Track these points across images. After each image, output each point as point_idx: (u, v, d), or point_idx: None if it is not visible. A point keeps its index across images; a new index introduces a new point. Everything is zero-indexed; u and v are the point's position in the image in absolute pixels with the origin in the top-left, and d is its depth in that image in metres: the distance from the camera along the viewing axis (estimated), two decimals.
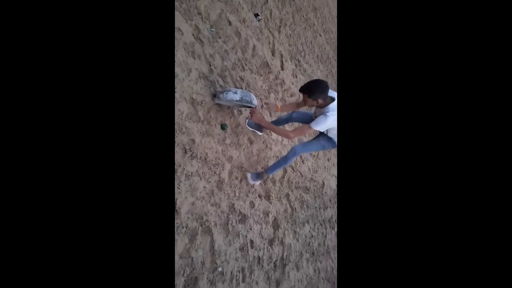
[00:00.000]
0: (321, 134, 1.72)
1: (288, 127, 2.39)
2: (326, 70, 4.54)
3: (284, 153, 2.24)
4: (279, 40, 2.85)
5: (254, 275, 1.61)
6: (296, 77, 3.08)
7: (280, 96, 2.63)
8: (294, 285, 2.01)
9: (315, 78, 3.78)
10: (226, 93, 1.54)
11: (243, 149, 1.84)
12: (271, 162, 2.08)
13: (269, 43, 2.60)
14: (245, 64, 2.12)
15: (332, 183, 3.20)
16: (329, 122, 1.46)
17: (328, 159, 3.29)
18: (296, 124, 2.31)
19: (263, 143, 2.08)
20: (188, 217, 1.28)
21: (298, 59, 3.28)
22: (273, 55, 2.62)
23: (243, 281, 1.52)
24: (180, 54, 1.47)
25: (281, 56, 2.79)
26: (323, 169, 3.10)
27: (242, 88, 1.98)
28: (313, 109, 1.86)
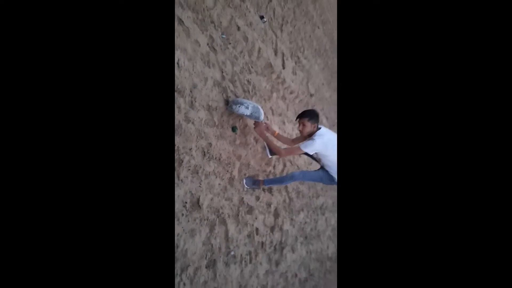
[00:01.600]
0: (322, 168, 1.91)
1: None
2: (323, 63, 4.69)
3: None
4: (281, 39, 2.97)
5: (258, 257, 1.89)
6: (296, 74, 3.25)
7: (281, 94, 2.81)
8: (290, 265, 2.32)
9: (314, 75, 3.95)
10: (239, 107, 1.72)
11: (250, 148, 2.05)
12: (272, 161, 2.31)
13: (272, 43, 2.73)
14: (251, 67, 2.28)
15: None
16: (316, 144, 1.66)
17: None
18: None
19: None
20: (208, 211, 1.51)
21: (298, 56, 3.42)
22: (275, 54, 2.76)
23: (250, 262, 1.79)
24: (198, 65, 1.63)
25: (283, 55, 2.93)
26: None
27: (250, 93, 2.15)
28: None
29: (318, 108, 3.86)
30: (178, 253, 1.27)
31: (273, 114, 2.53)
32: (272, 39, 2.75)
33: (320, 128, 1.76)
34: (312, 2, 4.70)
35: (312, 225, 3.00)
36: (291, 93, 3.04)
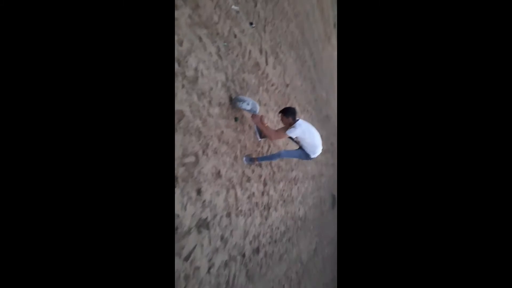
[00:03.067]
0: (300, 148, 2.63)
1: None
2: (295, 55, 5.31)
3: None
4: (264, 38, 3.51)
5: (254, 213, 2.58)
6: (275, 68, 3.84)
7: (265, 87, 3.41)
8: (274, 220, 3.08)
9: (289, 67, 4.56)
10: (242, 103, 2.30)
11: (246, 133, 2.66)
12: (261, 144, 2.96)
13: (258, 44, 3.27)
14: (244, 67, 2.82)
15: None
16: (296, 131, 2.37)
17: None
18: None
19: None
20: (224, 179, 2.13)
21: (277, 52, 3.99)
22: (260, 53, 3.31)
23: (250, 216, 2.48)
24: (212, 72, 2.15)
25: (266, 53, 3.48)
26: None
27: (244, 89, 2.71)
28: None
29: (291, 96, 4.53)
30: (211, 206, 1.88)
31: (260, 104, 3.13)
32: (258, 40, 3.28)
33: (298, 120, 2.44)
34: None
35: (288, 192, 3.78)
36: (272, 85, 3.64)
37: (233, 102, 2.36)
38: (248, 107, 2.34)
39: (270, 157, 2.72)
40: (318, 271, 5.03)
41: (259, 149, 2.96)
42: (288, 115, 2.44)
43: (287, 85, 4.35)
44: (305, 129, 2.38)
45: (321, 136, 2.63)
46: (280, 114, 2.50)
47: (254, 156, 2.74)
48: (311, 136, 2.43)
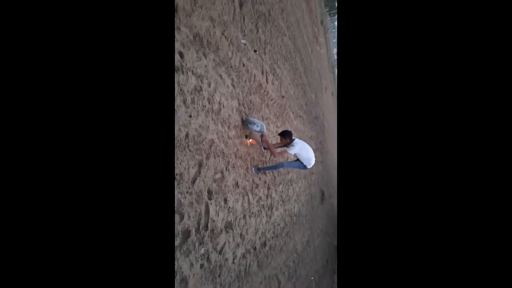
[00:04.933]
0: (298, 159, 3.22)
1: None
2: (289, 65, 5.80)
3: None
4: (265, 60, 3.99)
5: (261, 213, 3.12)
6: (274, 84, 4.34)
7: (266, 103, 3.91)
8: (276, 218, 3.64)
9: (284, 79, 5.07)
10: (252, 125, 2.81)
11: (255, 149, 3.18)
12: (264, 154, 3.48)
13: (261, 66, 3.75)
14: (251, 90, 3.31)
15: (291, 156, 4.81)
16: (294, 149, 2.96)
17: None
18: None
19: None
20: (241, 188, 2.64)
21: (274, 68, 4.48)
22: (262, 74, 3.80)
23: (259, 216, 3.02)
24: (229, 101, 2.63)
25: (266, 72, 3.97)
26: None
27: (250, 109, 3.21)
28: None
29: (287, 106, 5.05)
30: (233, 211, 2.40)
31: (263, 119, 3.64)
32: (260, 63, 3.76)
33: (294, 140, 3.01)
34: (280, 13, 5.66)
35: (286, 192, 4.34)
36: (271, 100, 4.15)
37: (245, 123, 2.86)
38: (258, 129, 2.85)
39: (274, 167, 3.27)
40: (311, 259, 5.68)
41: (263, 158, 3.48)
42: (286, 137, 3.03)
43: (283, 97, 4.86)
44: (301, 146, 2.96)
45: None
46: (280, 136, 3.07)
47: (260, 166, 3.27)
48: (306, 151, 3.04)
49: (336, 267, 8.52)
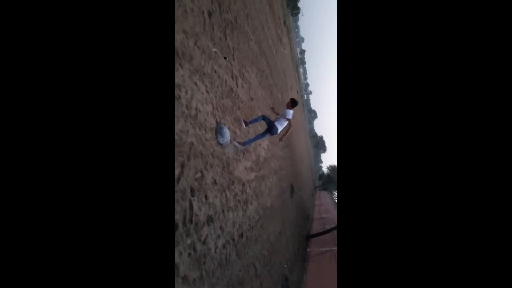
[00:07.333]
0: (267, 129, 3.73)
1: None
2: (256, 69, 6.14)
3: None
4: (234, 65, 4.26)
5: (238, 209, 3.41)
6: (243, 87, 4.63)
7: (237, 106, 4.19)
8: (251, 212, 3.95)
9: (252, 82, 5.38)
10: (220, 138, 3.07)
11: (227, 147, 3.44)
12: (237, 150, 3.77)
13: (231, 71, 4.02)
14: (223, 94, 3.57)
15: (263, 153, 5.16)
16: (290, 113, 3.70)
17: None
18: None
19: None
20: (219, 185, 2.90)
21: (243, 73, 4.77)
22: (232, 79, 4.07)
23: (236, 209, 3.30)
24: (204, 106, 2.87)
25: (236, 77, 4.25)
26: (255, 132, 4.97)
27: (224, 112, 3.47)
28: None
29: (256, 107, 5.38)
30: (213, 206, 2.65)
31: (235, 121, 3.92)
32: (230, 69, 4.02)
33: (287, 112, 3.61)
34: (246, 19, 5.96)
35: (259, 188, 4.68)
36: (242, 102, 4.44)
37: (216, 131, 3.12)
38: (223, 141, 3.13)
39: (254, 139, 3.85)
40: (283, 248, 6.12)
41: (237, 157, 3.77)
42: (294, 105, 3.79)
43: (252, 99, 5.18)
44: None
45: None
46: (290, 102, 3.78)
47: (240, 141, 3.72)
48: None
49: (306, 255, 9.14)
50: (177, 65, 2.38)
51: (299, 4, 45.38)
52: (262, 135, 3.89)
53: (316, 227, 13.02)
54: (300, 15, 50.29)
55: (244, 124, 3.94)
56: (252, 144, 4.35)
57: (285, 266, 5.81)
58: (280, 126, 3.74)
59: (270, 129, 3.72)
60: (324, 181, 39.84)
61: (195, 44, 2.88)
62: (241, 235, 3.38)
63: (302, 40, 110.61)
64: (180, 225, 2.04)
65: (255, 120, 4.11)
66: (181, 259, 1.97)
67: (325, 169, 51.08)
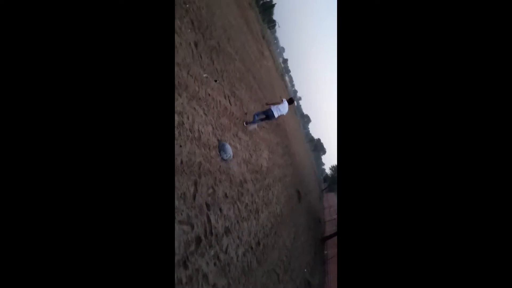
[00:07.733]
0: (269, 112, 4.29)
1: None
2: (244, 84, 6.46)
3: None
4: (225, 86, 4.56)
5: (251, 218, 3.59)
6: (236, 104, 4.91)
7: (233, 122, 4.44)
8: (264, 219, 4.11)
9: (243, 98, 5.67)
10: (223, 154, 3.30)
11: (230, 161, 3.66)
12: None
13: (223, 92, 4.30)
14: (219, 114, 3.83)
15: (265, 163, 5.37)
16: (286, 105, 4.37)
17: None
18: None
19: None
20: (230, 198, 3.09)
21: (234, 91, 5.07)
22: (225, 98, 4.35)
23: (248, 220, 3.47)
24: (205, 128, 3.11)
25: (228, 96, 4.54)
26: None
27: (222, 130, 3.72)
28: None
29: (247, 119, 5.65)
30: (228, 218, 2.83)
31: (233, 136, 4.16)
32: (222, 89, 4.31)
33: (283, 101, 4.10)
34: (227, 42, 6.34)
35: (267, 197, 4.86)
36: (237, 118, 4.70)
37: (219, 149, 3.35)
38: (226, 157, 3.37)
39: (258, 121, 4.82)
40: (300, 253, 6.20)
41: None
42: (291, 102, 4.77)
43: (246, 114, 5.46)
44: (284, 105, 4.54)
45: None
46: (289, 99, 4.72)
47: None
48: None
49: (324, 257, 9.15)
50: (176, 95, 2.64)
51: (274, 17, 47.17)
52: (262, 120, 4.80)
53: (329, 229, 13.04)
54: (276, 27, 52.02)
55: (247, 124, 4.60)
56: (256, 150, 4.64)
57: (305, 270, 5.88)
58: (276, 112, 4.41)
59: (268, 116, 4.50)
60: (329, 182, 39.83)
61: (188, 73, 3.16)
62: (258, 243, 3.54)
63: (283, 50, 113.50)
64: (203, 237, 2.22)
65: (254, 122, 4.82)
66: (208, 268, 2.14)
67: (328, 171, 51.12)
